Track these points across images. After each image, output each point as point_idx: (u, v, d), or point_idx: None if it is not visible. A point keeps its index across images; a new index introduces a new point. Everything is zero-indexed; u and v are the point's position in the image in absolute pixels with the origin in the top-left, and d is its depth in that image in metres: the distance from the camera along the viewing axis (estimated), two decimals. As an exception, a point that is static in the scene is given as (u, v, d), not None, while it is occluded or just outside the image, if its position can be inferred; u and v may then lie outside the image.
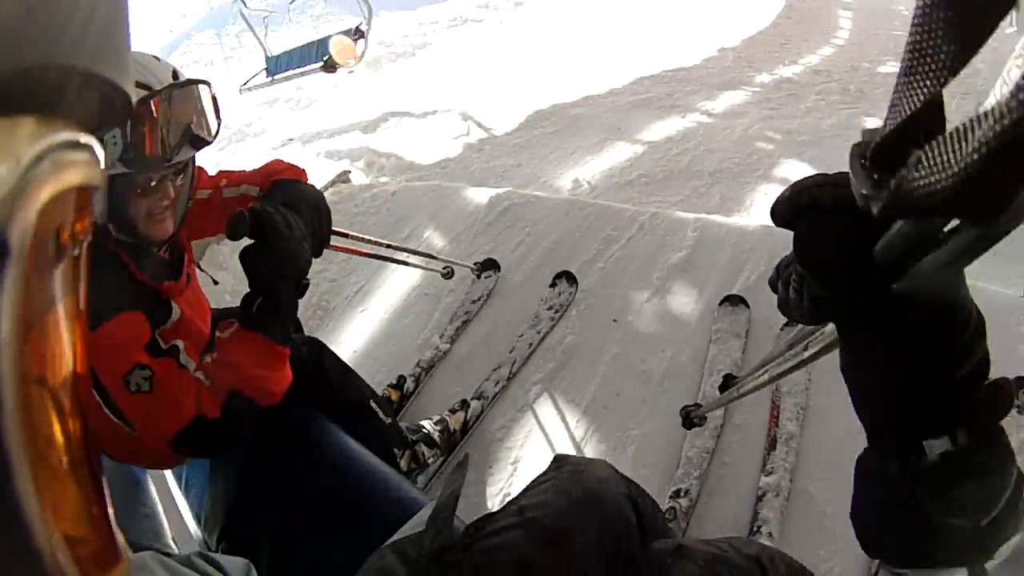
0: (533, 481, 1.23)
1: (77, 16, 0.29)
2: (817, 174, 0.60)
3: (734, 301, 2.80)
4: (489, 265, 3.24)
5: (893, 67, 7.26)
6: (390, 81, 8.38)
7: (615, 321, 2.94)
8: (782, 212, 0.60)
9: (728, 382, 1.47)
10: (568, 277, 3.10)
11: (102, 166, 0.33)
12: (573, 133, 5.77)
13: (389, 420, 2.11)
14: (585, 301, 3.06)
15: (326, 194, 4.21)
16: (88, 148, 0.31)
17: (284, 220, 1.41)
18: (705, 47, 7.80)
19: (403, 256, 2.81)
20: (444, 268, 2.88)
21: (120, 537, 0.36)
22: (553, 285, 3.10)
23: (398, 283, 3.45)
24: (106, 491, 0.35)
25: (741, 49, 7.76)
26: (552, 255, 3.32)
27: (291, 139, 6.67)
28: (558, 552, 1.02)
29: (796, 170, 4.81)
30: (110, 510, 0.35)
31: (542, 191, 4.50)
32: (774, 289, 0.71)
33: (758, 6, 9.93)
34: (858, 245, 0.54)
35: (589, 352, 2.79)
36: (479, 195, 3.90)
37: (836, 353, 0.65)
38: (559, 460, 1.30)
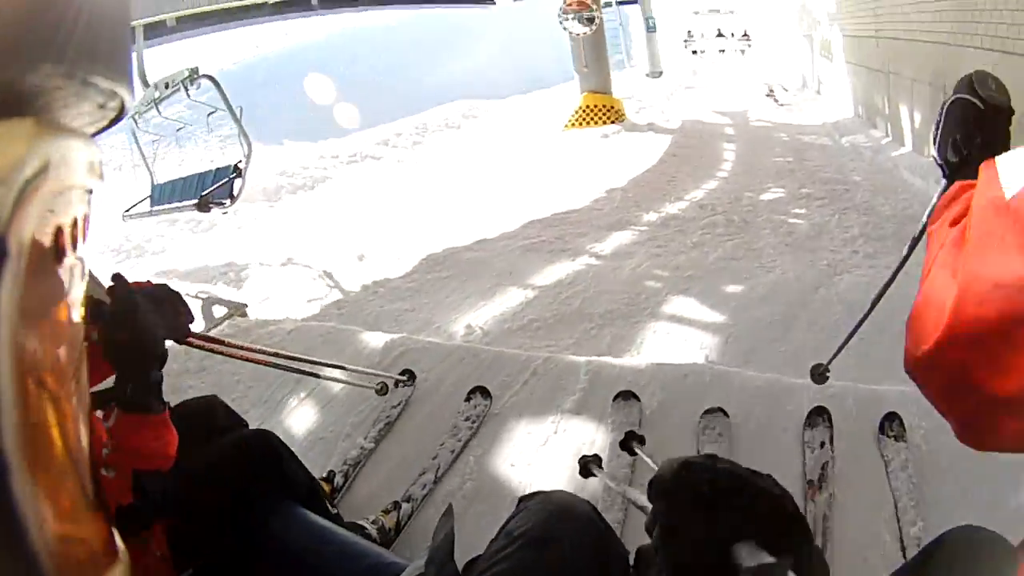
0: (508, 517, 1.42)
1: (78, 22, 0.30)
2: None
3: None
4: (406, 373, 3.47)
5: (775, 193, 8.19)
6: (288, 215, 8.60)
7: (512, 466, 2.99)
8: None
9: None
10: (482, 391, 3.30)
11: (100, 168, 0.33)
12: (466, 278, 5.93)
13: (335, 510, 2.21)
14: (481, 447, 3.10)
15: (222, 326, 4.30)
16: (86, 151, 0.31)
17: (135, 300, 1.45)
18: (594, 188, 8.34)
19: (327, 371, 3.08)
20: (378, 384, 3.03)
21: (118, 538, 0.37)
22: (468, 399, 3.30)
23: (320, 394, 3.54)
24: (105, 492, 0.34)
25: (629, 189, 8.33)
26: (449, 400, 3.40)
27: (188, 263, 6.73)
28: (551, 554, 1.19)
29: (683, 306, 5.11)
30: (108, 511, 0.34)
31: (436, 337, 4.62)
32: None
33: (645, 145, 10.77)
34: None
35: (493, 502, 2.79)
36: (374, 339, 3.96)
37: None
38: (524, 498, 1.52)
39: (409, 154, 12.35)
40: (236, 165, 6.43)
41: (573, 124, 13.13)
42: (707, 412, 2.96)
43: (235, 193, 6.40)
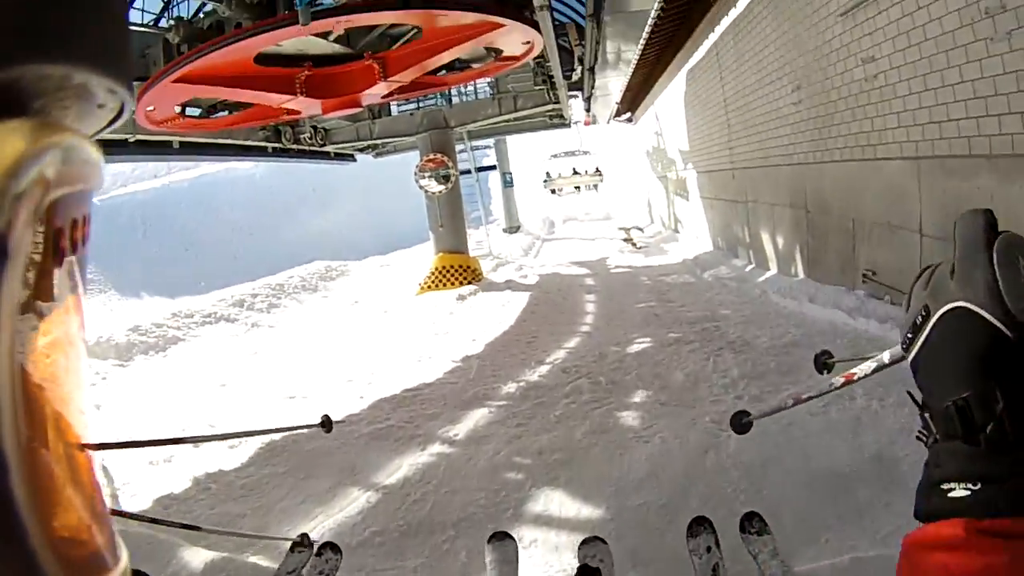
0: None
1: (77, 21, 0.30)
2: None
3: None
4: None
5: (642, 344, 7.69)
6: (136, 380, 8.14)
7: None
8: None
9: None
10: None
11: (100, 169, 0.34)
12: (305, 474, 5.01)
13: None
14: None
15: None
16: (85, 152, 0.32)
17: None
18: (449, 357, 7.55)
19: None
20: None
21: (119, 539, 0.36)
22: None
23: None
24: (104, 493, 0.35)
25: (486, 355, 7.57)
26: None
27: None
28: None
29: (551, 502, 4.21)
30: (108, 511, 0.35)
31: (264, 557, 3.83)
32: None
33: (503, 305, 10.24)
34: None
35: None
36: (194, 558, 3.47)
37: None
38: None
39: (264, 317, 11.79)
40: None
41: (428, 287, 12.58)
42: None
43: None
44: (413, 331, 9.37)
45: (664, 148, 19.37)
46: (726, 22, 10.81)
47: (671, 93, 16.94)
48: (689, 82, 14.35)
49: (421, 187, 13.10)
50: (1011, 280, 0.57)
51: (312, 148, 13.93)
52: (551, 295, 10.75)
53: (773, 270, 9.80)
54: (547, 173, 20.53)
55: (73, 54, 0.30)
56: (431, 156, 13.06)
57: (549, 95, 12.77)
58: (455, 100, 14.32)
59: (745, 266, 11.03)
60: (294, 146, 13.35)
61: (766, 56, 9.06)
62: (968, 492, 0.55)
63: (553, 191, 21.21)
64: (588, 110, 19.19)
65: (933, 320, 0.61)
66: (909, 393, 0.67)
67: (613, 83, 18.07)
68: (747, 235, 11.13)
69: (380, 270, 17.07)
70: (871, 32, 6.05)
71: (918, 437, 0.63)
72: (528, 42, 8.25)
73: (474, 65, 9.53)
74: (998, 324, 0.56)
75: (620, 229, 21.97)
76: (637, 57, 13.90)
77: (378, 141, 14.55)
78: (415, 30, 8.09)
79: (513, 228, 24.03)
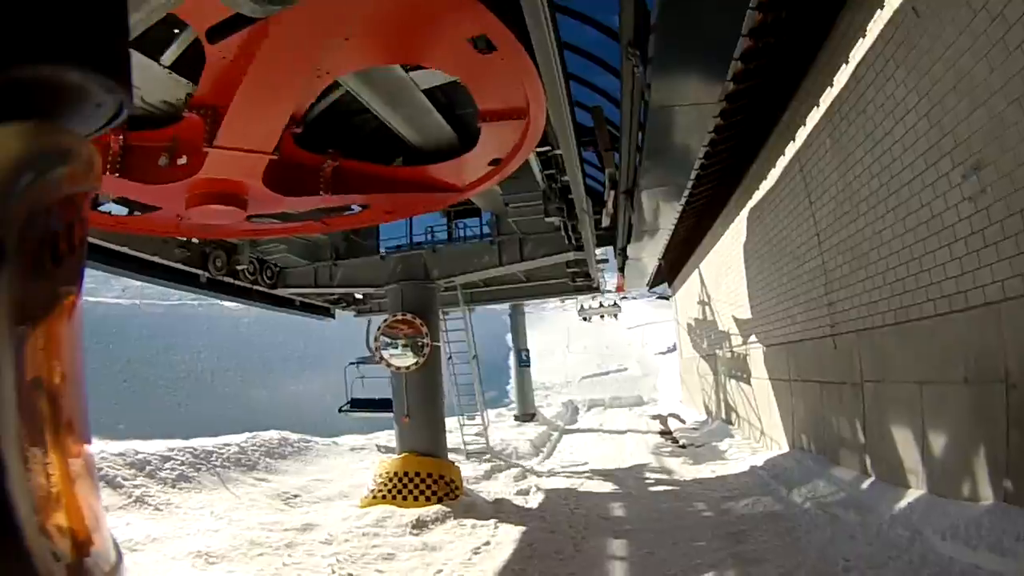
0: None
1: (77, 25, 0.30)
2: None
3: None
4: None
5: None
6: None
7: None
8: None
9: None
10: None
11: (98, 169, 0.34)
12: None
13: None
14: None
15: None
16: (83, 153, 0.32)
17: None
18: None
19: None
20: None
21: (114, 539, 0.37)
22: None
23: None
24: (101, 493, 0.34)
25: None
26: None
27: None
28: None
29: None
30: (105, 512, 0.35)
31: None
32: None
33: (472, 551, 6.41)
34: None
35: None
36: None
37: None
38: None
39: (158, 492, 8.62)
40: None
41: (377, 497, 8.71)
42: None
43: None
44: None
45: (713, 319, 15.85)
46: (814, 117, 7.52)
47: (721, 251, 13.90)
48: (751, 227, 11.05)
49: (380, 360, 9.45)
50: None
51: (258, 288, 10.63)
52: (558, 537, 6.82)
53: (919, 488, 5.92)
54: (581, 305, 21.75)
55: (72, 55, 0.30)
56: (401, 316, 9.50)
57: (568, 235, 9.23)
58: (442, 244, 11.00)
59: (859, 480, 7.15)
60: (228, 279, 9.82)
61: (900, 133, 5.71)
62: None
63: (585, 319, 22.24)
64: (622, 268, 15.90)
65: None
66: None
67: (648, 253, 15.66)
68: (860, 432, 7.34)
69: (350, 454, 13.49)
70: None
71: None
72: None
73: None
74: None
75: (655, 419, 18.11)
76: (676, 218, 11.26)
77: (338, 290, 11.07)
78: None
79: (527, 416, 20.10)
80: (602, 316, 22.49)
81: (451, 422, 15.70)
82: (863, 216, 6.77)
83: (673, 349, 38.97)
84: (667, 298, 24.98)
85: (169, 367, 25.14)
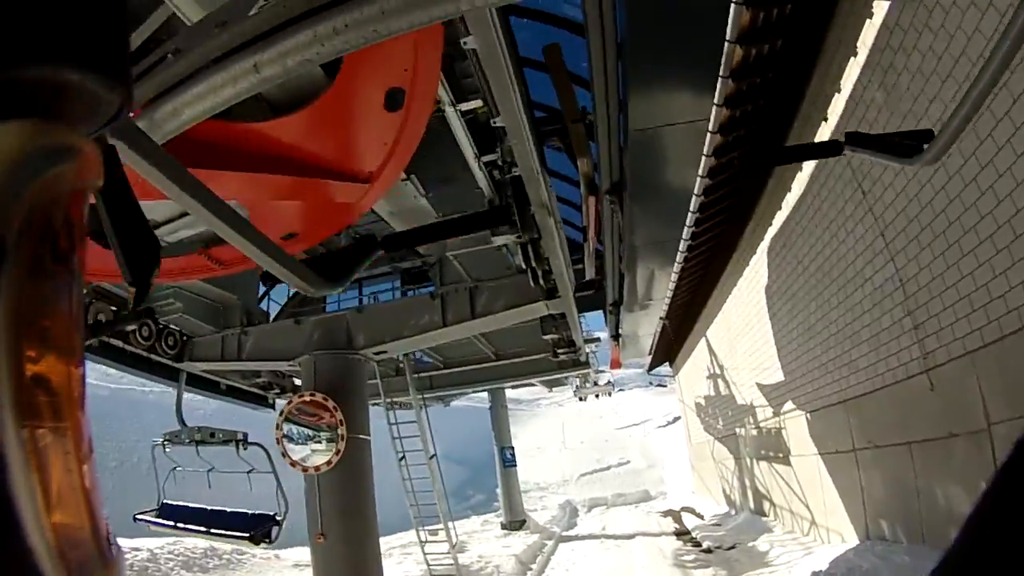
0: None
1: (76, 23, 0.31)
2: None
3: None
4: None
5: None
6: None
7: None
8: None
9: None
10: None
11: (98, 168, 0.35)
12: None
13: None
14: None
15: None
16: (83, 151, 0.32)
17: None
18: None
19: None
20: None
21: (115, 539, 0.37)
22: None
23: None
24: (100, 493, 0.36)
25: None
26: None
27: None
28: None
29: None
30: (104, 512, 0.36)
31: None
32: None
33: None
34: None
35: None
36: None
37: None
38: None
39: None
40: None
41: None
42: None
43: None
44: None
45: (729, 393, 13.33)
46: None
47: (734, 308, 11.79)
48: (774, 262, 8.89)
49: (284, 454, 6.85)
50: None
51: (158, 359, 8.44)
52: None
53: None
54: (576, 384, 20.10)
55: (72, 55, 0.30)
56: (309, 397, 6.96)
57: (533, 268, 6.65)
58: (367, 300, 8.57)
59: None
60: (118, 342, 7.85)
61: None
62: None
63: (581, 398, 20.86)
64: (616, 335, 13.56)
65: None
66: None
67: (644, 328, 13.63)
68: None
69: (292, 572, 10.95)
70: None
71: None
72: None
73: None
74: None
75: (666, 515, 15.33)
76: (674, 279, 9.64)
77: (249, 364, 8.57)
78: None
79: (515, 523, 17.10)
80: (597, 395, 20.97)
81: (410, 537, 12.80)
82: (959, 173, 4.45)
83: (677, 420, 36.33)
84: (665, 385, 23.55)
85: (101, 455, 22.37)
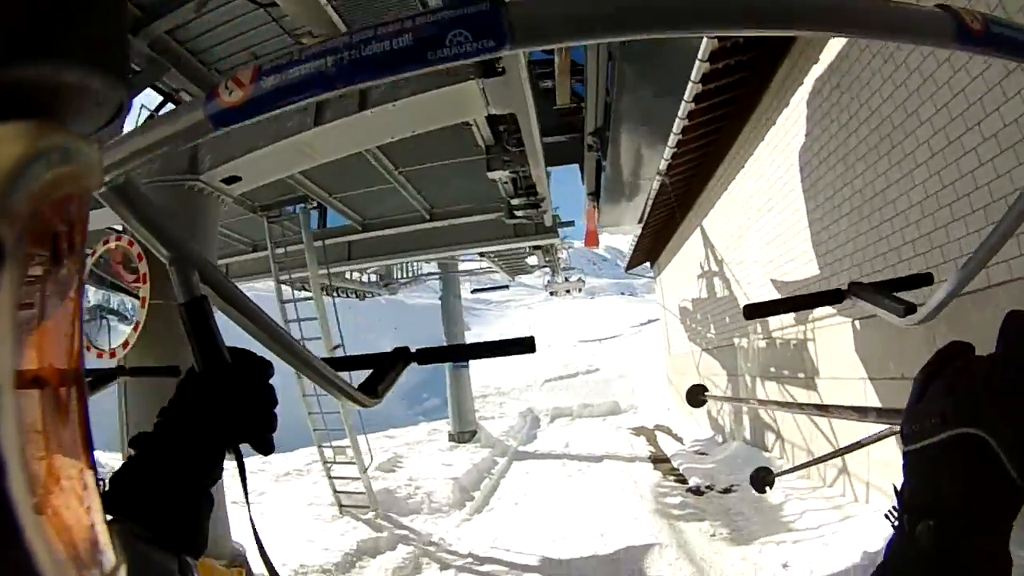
0: None
1: (76, 20, 0.30)
2: None
3: None
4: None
5: None
6: None
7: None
8: None
9: None
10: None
11: (99, 170, 0.34)
12: None
13: None
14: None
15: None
16: (83, 153, 0.31)
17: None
18: None
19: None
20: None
21: (115, 540, 0.36)
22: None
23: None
24: (99, 494, 0.35)
25: None
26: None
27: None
28: None
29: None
30: (104, 514, 0.35)
31: None
32: None
33: None
34: None
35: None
36: None
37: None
38: None
39: None
40: None
41: None
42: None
43: None
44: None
45: (728, 294, 10.87)
46: None
47: (749, 182, 9.09)
48: (817, 113, 6.25)
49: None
50: None
51: None
52: None
53: None
54: (547, 279, 20.07)
55: (72, 53, 0.30)
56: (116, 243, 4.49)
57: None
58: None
59: None
60: None
61: None
62: None
63: (552, 292, 20.98)
64: (596, 192, 11.08)
65: (945, 436, 0.59)
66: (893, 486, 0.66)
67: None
68: None
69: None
70: None
71: (886, 515, 0.65)
72: None
73: None
74: (1016, 478, 0.55)
75: (638, 434, 13.38)
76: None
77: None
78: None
79: (464, 435, 14.88)
80: (568, 291, 20.49)
81: (312, 454, 10.64)
82: None
83: (651, 322, 34.68)
84: (636, 294, 23.03)
85: None
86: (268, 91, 0.62)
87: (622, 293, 45.88)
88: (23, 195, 0.26)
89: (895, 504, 0.62)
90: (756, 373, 9.65)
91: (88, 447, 0.35)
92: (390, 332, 30.01)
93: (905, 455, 0.62)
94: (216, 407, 0.84)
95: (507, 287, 29.12)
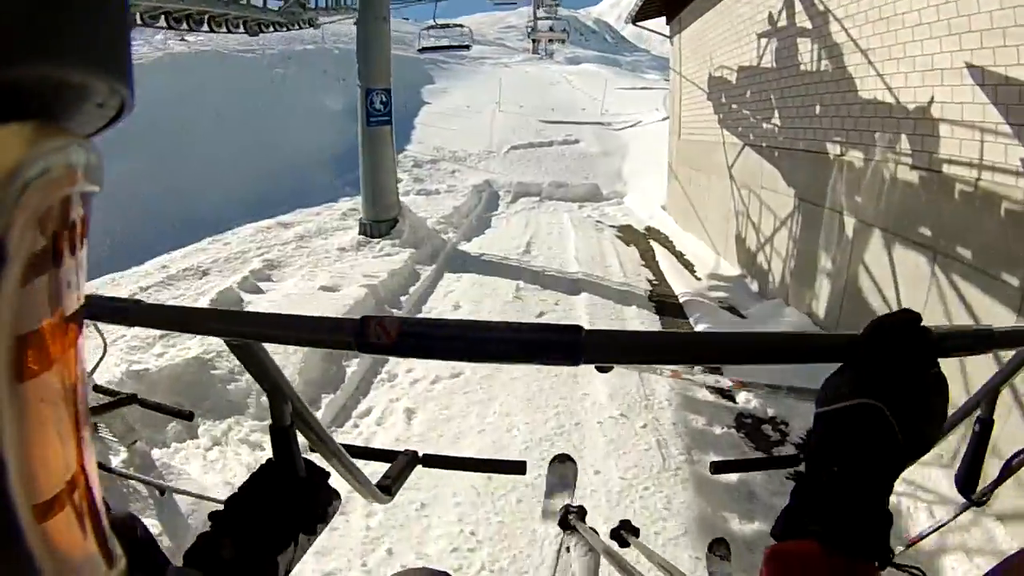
0: None
1: (77, 20, 0.31)
2: None
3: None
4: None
5: None
6: None
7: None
8: None
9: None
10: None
11: (99, 171, 0.34)
12: None
13: None
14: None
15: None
16: (84, 153, 0.32)
17: None
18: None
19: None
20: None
21: (116, 542, 0.37)
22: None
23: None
24: (101, 495, 0.36)
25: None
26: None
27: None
28: None
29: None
30: (105, 514, 0.36)
31: None
32: None
33: None
34: None
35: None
36: None
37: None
38: None
39: None
40: None
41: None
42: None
43: None
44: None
45: (837, 67, 6.37)
46: None
47: None
48: None
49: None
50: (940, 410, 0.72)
51: None
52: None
53: None
54: (530, 27, 18.88)
55: (73, 54, 0.30)
56: None
57: None
58: None
59: None
60: None
61: None
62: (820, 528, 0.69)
63: (535, 40, 20.57)
64: None
65: (851, 404, 0.70)
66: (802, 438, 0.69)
67: None
68: None
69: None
70: None
71: (788, 477, 0.80)
72: None
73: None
74: (902, 442, 0.69)
75: (628, 242, 11.23)
76: None
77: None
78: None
79: (380, 225, 10.52)
80: (551, 41, 19.69)
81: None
82: None
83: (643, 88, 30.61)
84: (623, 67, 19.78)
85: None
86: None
87: (607, 65, 41.00)
88: (23, 196, 0.26)
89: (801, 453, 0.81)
90: (879, 223, 5.45)
91: (89, 443, 0.35)
92: (350, 81, 24.47)
93: (817, 415, 0.73)
94: (284, 502, 0.96)
95: (467, 47, 26.75)
